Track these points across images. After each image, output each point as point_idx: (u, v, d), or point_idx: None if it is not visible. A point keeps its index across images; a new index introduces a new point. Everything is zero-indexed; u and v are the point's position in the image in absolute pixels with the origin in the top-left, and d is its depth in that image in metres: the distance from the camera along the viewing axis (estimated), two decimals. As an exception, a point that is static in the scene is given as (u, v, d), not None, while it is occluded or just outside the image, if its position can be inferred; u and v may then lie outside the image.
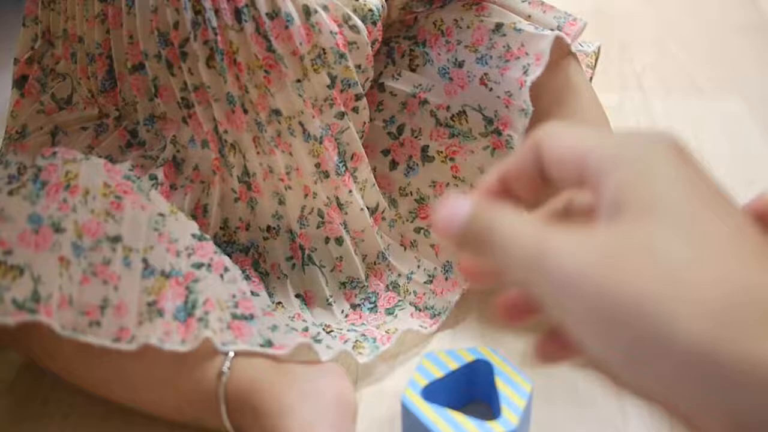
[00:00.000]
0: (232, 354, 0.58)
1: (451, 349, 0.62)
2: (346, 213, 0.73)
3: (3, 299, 0.53)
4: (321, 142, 0.70)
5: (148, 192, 0.64)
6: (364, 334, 0.68)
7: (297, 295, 0.73)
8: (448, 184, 0.75)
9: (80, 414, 0.65)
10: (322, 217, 0.73)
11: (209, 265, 0.62)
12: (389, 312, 0.72)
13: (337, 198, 0.73)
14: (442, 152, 0.75)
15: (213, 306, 0.59)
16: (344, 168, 0.72)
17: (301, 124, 0.70)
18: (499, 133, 0.72)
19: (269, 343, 0.60)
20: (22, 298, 0.54)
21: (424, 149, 0.75)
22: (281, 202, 0.73)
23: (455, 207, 0.34)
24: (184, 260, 0.61)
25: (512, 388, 0.59)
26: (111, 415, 0.64)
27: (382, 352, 0.67)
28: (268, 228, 0.74)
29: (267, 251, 0.74)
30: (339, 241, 0.74)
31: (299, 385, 0.58)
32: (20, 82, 0.72)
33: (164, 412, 0.62)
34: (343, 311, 0.72)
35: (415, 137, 0.75)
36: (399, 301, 0.73)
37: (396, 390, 0.65)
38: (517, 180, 0.37)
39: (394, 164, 0.77)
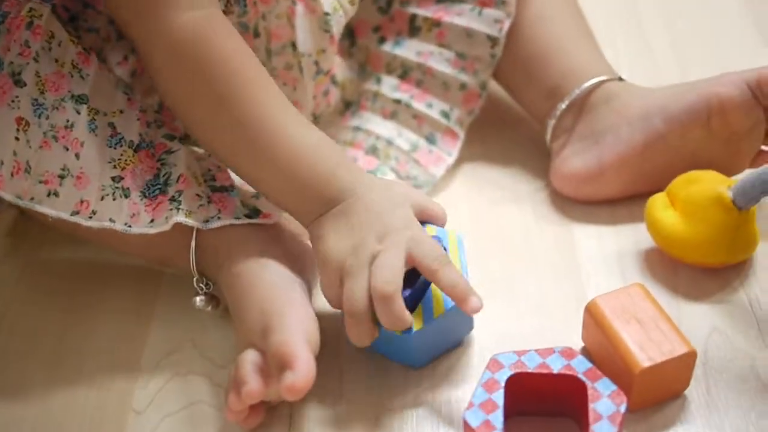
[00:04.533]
0: None
1: None
2: (320, 122, 0.73)
3: None
4: (326, 74, 0.69)
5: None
6: None
7: None
8: (432, 52, 0.73)
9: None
10: None
11: (181, 139, 0.60)
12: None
13: (314, 113, 0.72)
14: (428, 19, 0.73)
15: (188, 182, 0.58)
16: (329, 86, 0.72)
17: (316, 63, 0.68)
18: None
19: (256, 212, 0.59)
20: None
21: (412, 19, 0.73)
22: None
23: None
24: (154, 130, 0.59)
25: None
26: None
27: None
28: None
29: None
30: None
31: (278, 241, 0.58)
32: None
33: (131, 247, 0.62)
34: None
35: (403, 7, 0.73)
36: (379, 165, 0.71)
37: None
38: None
39: (382, 40, 0.75)
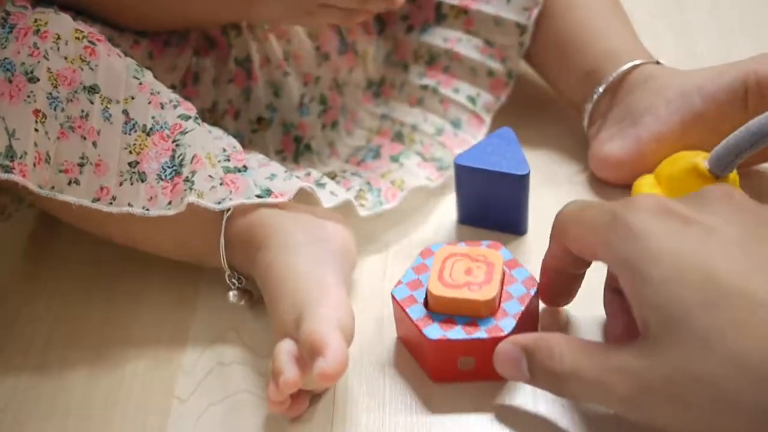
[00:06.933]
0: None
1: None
2: (343, 93, 0.73)
3: None
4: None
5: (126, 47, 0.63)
6: (368, 182, 0.66)
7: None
8: (459, 39, 0.73)
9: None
10: (325, 104, 0.72)
11: (196, 118, 0.60)
12: (394, 159, 0.70)
13: (335, 79, 0.72)
14: (455, 6, 0.73)
15: (202, 163, 0.58)
16: (345, 47, 0.70)
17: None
18: None
19: (268, 192, 0.59)
20: None
21: (438, 7, 0.73)
22: (276, 94, 0.71)
23: (513, 361, 0.49)
24: (169, 111, 0.59)
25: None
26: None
27: (384, 210, 0.65)
28: (259, 119, 0.72)
29: (255, 143, 0.72)
30: (334, 125, 0.73)
31: (307, 229, 0.58)
32: None
33: (163, 249, 0.63)
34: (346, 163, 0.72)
35: None
36: (404, 149, 0.71)
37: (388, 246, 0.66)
38: (560, 263, 0.53)
39: (410, 29, 0.75)
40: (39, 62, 0.55)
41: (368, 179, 0.67)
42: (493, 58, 0.72)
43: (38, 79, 0.55)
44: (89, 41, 0.58)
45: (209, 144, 0.60)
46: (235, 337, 0.60)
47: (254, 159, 0.63)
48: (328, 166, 0.72)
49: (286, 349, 0.52)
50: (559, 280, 0.54)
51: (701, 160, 0.59)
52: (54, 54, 0.56)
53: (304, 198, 0.60)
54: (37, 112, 0.55)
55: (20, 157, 0.54)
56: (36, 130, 0.55)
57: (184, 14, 0.65)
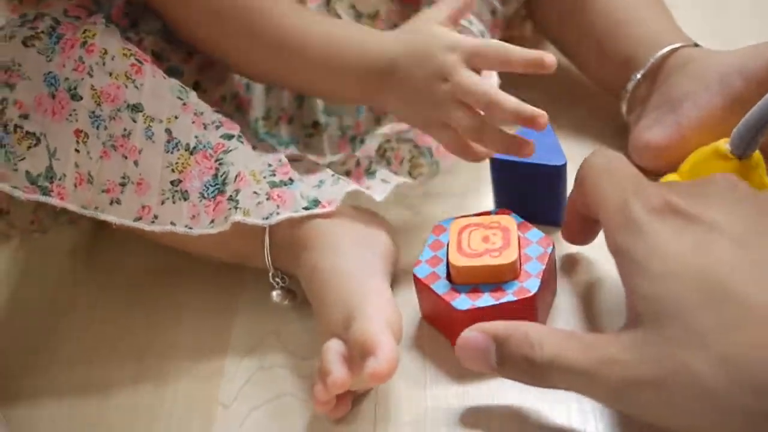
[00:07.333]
0: None
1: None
2: None
3: (17, 169, 0.53)
4: (374, 18, 0.68)
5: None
6: (416, 145, 0.66)
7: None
8: None
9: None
10: None
11: (240, 137, 0.61)
12: None
13: None
14: None
15: (246, 180, 0.58)
16: None
17: (353, 6, 0.68)
18: None
19: (315, 203, 0.58)
20: (36, 172, 0.53)
21: None
22: None
23: (482, 350, 0.47)
24: (212, 132, 0.60)
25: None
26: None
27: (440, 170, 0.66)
28: (315, 124, 0.72)
29: (310, 147, 0.72)
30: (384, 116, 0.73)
31: (352, 230, 0.58)
32: None
33: (207, 248, 0.62)
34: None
35: None
36: None
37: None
38: (578, 206, 0.53)
39: None
40: (83, 79, 0.55)
41: (415, 140, 0.66)
42: None
43: (81, 97, 0.55)
44: (136, 59, 0.58)
45: (253, 161, 0.60)
46: (276, 341, 0.60)
47: (302, 167, 0.63)
48: (375, 138, 0.71)
49: (333, 348, 0.51)
50: (578, 221, 0.55)
51: (723, 142, 0.57)
52: (99, 69, 0.56)
53: (354, 196, 0.61)
54: (78, 132, 0.55)
55: (59, 179, 0.54)
56: (77, 150, 0.55)
57: (309, 88, 0.66)
